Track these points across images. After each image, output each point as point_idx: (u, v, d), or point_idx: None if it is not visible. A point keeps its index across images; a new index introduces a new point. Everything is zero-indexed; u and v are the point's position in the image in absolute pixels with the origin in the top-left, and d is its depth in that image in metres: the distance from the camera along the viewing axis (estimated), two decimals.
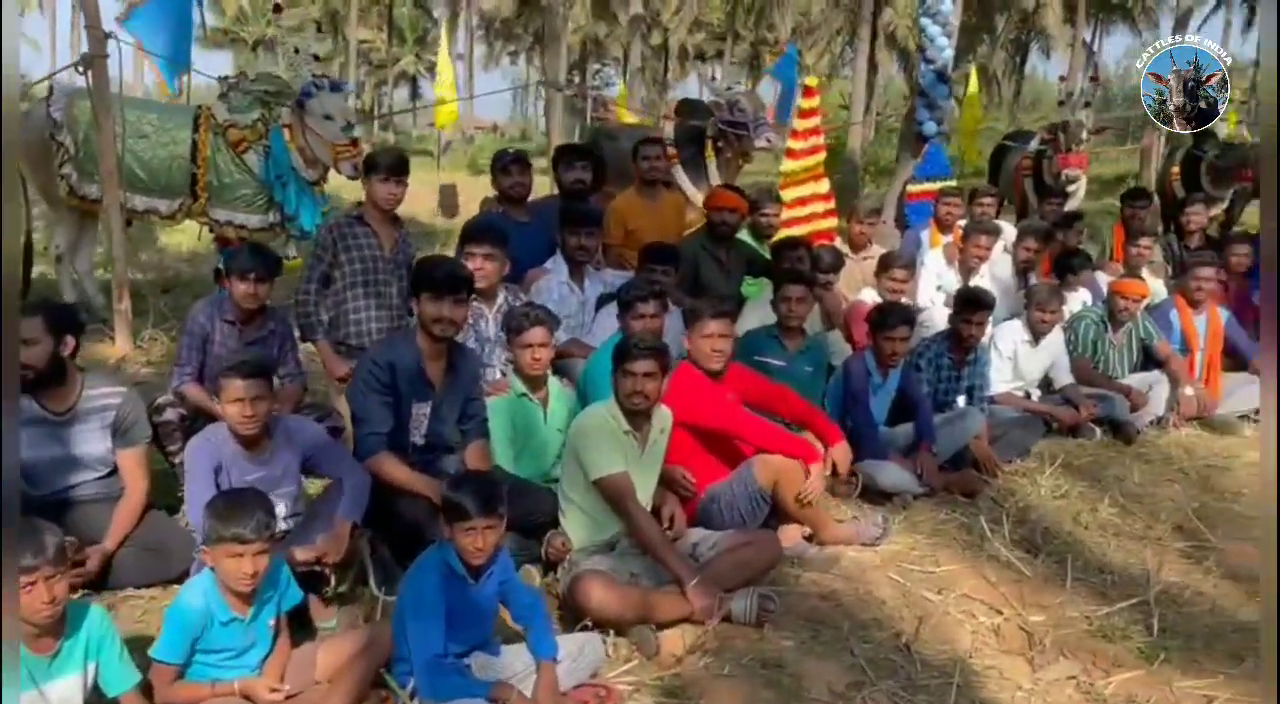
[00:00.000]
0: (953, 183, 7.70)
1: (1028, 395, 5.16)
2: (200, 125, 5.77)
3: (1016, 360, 5.05)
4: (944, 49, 7.42)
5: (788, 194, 5.83)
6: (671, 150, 7.44)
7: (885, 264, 5.21)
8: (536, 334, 3.48)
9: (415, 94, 43.96)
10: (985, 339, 4.84)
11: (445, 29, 10.20)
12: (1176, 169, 10.04)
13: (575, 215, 4.21)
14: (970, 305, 4.51)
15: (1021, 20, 31.53)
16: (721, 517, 3.50)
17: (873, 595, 3.29)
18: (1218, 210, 10.08)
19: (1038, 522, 3.98)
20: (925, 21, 7.43)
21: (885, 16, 30.30)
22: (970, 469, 4.37)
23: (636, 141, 5.24)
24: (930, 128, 7.65)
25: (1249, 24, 38.60)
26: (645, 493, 3.23)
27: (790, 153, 5.89)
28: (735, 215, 4.97)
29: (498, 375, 3.80)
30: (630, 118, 10.75)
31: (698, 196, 7.20)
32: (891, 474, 4.09)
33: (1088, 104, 8.34)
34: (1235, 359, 5.65)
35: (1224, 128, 10.12)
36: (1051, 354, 5.12)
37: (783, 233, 5.84)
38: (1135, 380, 5.35)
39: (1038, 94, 43.33)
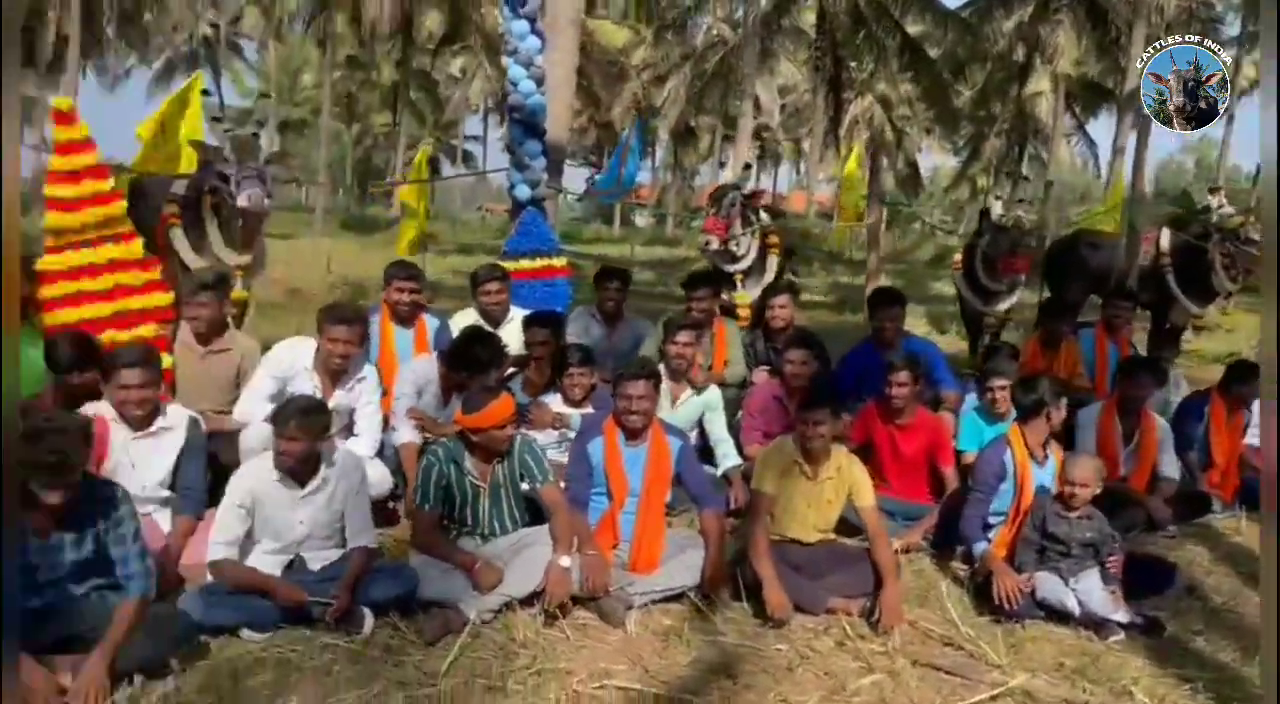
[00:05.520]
0: (558, 261, 6.12)
1: None
2: None
3: None
4: (530, 95, 5.90)
5: (54, 260, 4.30)
6: (172, 208, 6.17)
7: None
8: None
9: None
10: None
11: None
12: (958, 258, 8.34)
13: None
14: None
15: (1019, 110, 29.82)
16: None
17: None
18: (1007, 304, 8.25)
19: None
20: (508, 61, 5.94)
21: None
22: None
23: None
24: (523, 192, 6.10)
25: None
26: None
27: (54, 203, 4.27)
28: None
29: None
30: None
31: (198, 262, 5.90)
32: None
33: None
34: None
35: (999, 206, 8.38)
36: None
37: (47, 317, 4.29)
38: None
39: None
